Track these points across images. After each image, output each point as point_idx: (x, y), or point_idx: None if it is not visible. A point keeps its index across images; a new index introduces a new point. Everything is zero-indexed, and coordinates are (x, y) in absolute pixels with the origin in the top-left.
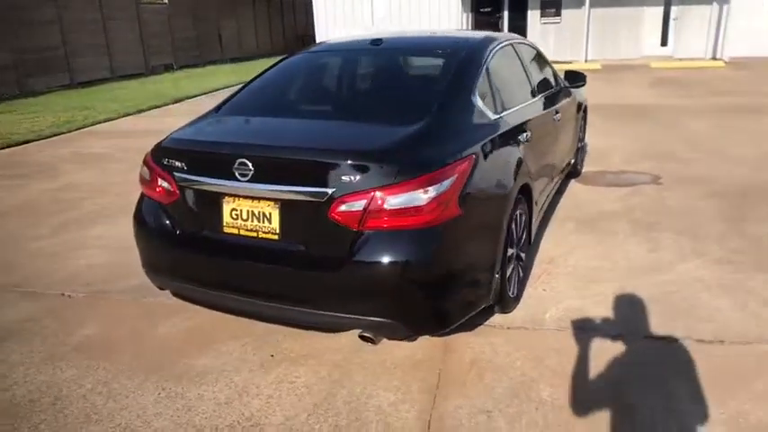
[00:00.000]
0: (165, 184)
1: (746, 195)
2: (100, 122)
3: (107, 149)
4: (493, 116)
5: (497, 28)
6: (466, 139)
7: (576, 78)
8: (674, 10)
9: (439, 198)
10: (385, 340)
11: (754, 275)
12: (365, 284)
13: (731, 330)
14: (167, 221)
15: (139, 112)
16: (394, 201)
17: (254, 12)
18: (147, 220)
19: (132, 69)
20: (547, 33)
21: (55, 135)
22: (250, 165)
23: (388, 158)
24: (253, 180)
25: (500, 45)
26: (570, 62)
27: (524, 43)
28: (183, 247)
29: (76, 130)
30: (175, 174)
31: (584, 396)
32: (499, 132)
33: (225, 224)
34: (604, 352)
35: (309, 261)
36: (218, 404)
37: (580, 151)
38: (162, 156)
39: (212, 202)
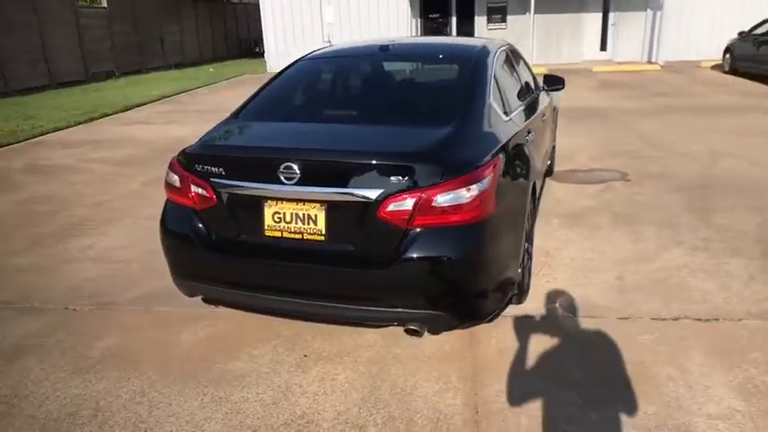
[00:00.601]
0: (200, 190)
1: (705, 188)
2: (49, 132)
3: (65, 160)
4: (505, 118)
5: (446, 34)
6: (492, 140)
7: (555, 82)
8: (611, 16)
9: (481, 196)
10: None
11: (730, 260)
12: (416, 279)
13: (722, 309)
14: (201, 227)
15: (90, 120)
16: (441, 199)
17: (197, 17)
18: (178, 228)
19: (71, 76)
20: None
21: (3, 146)
22: (296, 168)
23: (434, 159)
24: (299, 183)
25: (499, 50)
26: None
27: (512, 49)
28: (220, 252)
29: (25, 140)
30: (212, 179)
31: (611, 372)
32: (514, 133)
33: (266, 227)
34: (617, 334)
35: (359, 260)
36: (265, 405)
37: (553, 151)
38: (195, 162)
39: (253, 207)
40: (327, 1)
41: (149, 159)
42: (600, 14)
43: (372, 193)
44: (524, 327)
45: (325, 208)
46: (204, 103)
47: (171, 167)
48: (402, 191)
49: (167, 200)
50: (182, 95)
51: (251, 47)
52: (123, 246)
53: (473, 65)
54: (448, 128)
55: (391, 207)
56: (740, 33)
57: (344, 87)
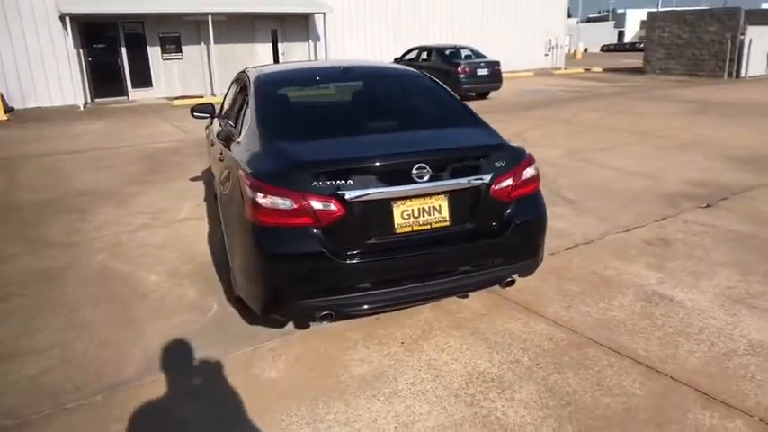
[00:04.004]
0: (322, 205)
1: None
2: None
3: None
4: None
5: (118, 66)
6: None
7: None
8: (281, 46)
9: (538, 170)
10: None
11: (555, 208)
12: (523, 237)
13: (589, 235)
14: (326, 240)
15: None
16: (525, 174)
17: None
18: (296, 248)
19: None
20: (171, 69)
21: None
22: (428, 167)
23: (515, 147)
24: (429, 180)
25: None
26: (201, 96)
27: None
28: (351, 260)
29: None
30: (341, 192)
31: (591, 284)
32: None
33: (397, 226)
34: (560, 263)
35: (478, 234)
36: (431, 381)
37: None
38: (313, 180)
39: (382, 210)
40: None
41: None
42: (270, 45)
43: (486, 178)
44: None
45: (448, 197)
46: None
47: (268, 192)
48: (504, 172)
49: (263, 227)
50: None
51: None
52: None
53: (430, 79)
54: (485, 125)
55: (499, 186)
56: (395, 59)
57: (355, 103)
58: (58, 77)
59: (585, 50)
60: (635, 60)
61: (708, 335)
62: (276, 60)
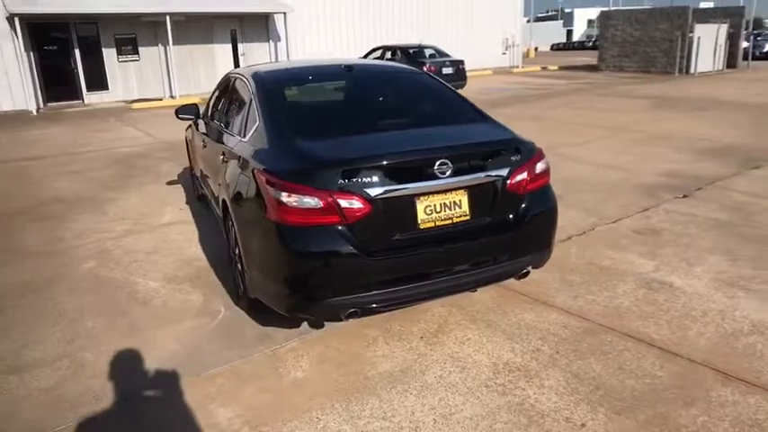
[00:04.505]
0: (348, 203)
1: None
2: None
3: None
4: None
5: (71, 68)
6: None
7: None
8: (240, 47)
9: (548, 163)
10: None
11: None
12: (537, 229)
13: (579, 227)
14: (353, 238)
15: None
16: (537, 168)
17: None
18: (325, 247)
19: None
20: (127, 71)
21: None
22: (450, 163)
23: (528, 142)
24: (451, 176)
25: None
26: (160, 98)
27: None
28: (377, 256)
29: None
30: (366, 190)
31: (590, 272)
32: None
33: (420, 221)
34: (559, 254)
35: (496, 227)
36: (457, 374)
37: None
38: (339, 177)
39: (405, 206)
40: None
41: None
42: (229, 45)
43: (503, 172)
44: None
45: (468, 192)
46: None
47: (294, 191)
48: (519, 166)
49: (288, 226)
50: None
51: None
52: (15, 348)
53: (431, 76)
54: (494, 121)
55: (515, 180)
56: (361, 58)
57: (363, 101)
58: (8, 82)
59: (536, 49)
60: (586, 58)
61: (712, 317)
62: (236, 63)
